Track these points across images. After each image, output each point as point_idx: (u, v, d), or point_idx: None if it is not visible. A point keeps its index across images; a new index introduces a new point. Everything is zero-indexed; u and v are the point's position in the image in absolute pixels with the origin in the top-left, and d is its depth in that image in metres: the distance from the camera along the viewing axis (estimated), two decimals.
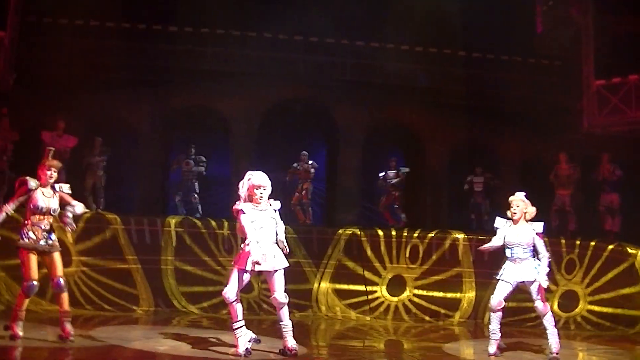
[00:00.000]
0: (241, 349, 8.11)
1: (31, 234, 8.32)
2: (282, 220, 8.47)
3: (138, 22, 15.58)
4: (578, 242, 13.74)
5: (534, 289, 8.99)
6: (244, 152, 16.15)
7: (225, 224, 13.08)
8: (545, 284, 8.95)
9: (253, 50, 16.01)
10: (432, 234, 13.95)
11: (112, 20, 15.30)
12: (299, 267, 13.11)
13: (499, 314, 9.10)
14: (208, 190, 15.12)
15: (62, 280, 8.45)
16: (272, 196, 8.44)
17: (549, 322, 9.07)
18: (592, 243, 13.69)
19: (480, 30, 15.81)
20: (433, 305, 13.67)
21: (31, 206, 8.35)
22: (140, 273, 12.81)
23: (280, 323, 8.34)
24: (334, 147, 17.03)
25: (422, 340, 11.50)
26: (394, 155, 15.93)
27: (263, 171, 8.45)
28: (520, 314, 12.50)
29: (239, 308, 8.15)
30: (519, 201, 9.18)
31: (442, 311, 13.61)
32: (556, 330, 9.15)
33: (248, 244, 8.08)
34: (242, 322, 8.18)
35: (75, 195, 8.76)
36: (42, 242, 8.32)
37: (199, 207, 14.60)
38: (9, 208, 8.34)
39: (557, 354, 9.05)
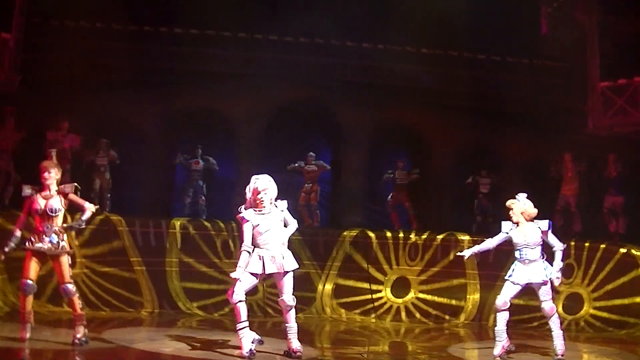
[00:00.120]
0: (245, 350, 8.10)
1: (32, 237, 8.32)
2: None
3: (143, 24, 15.60)
4: (588, 245, 13.65)
5: (542, 290, 8.98)
6: (248, 153, 16.15)
7: (233, 225, 13.06)
8: (557, 281, 8.95)
9: (258, 52, 16.01)
10: (441, 236, 13.89)
11: (117, 22, 15.29)
12: (304, 269, 13.10)
13: (505, 314, 9.08)
14: (212, 191, 15.13)
15: (68, 286, 8.40)
16: (278, 197, 8.46)
17: (554, 323, 9.06)
18: (602, 246, 13.62)
19: (485, 32, 15.79)
20: (437, 307, 13.65)
21: (31, 210, 8.38)
22: (145, 275, 12.83)
23: (286, 325, 8.35)
24: (338, 148, 17.02)
25: (427, 341, 11.50)
26: (401, 156, 15.92)
27: (268, 173, 8.47)
28: (526, 313, 12.40)
29: (243, 309, 8.13)
30: (512, 203, 9.18)
31: (447, 313, 13.59)
32: (562, 332, 9.14)
33: (241, 251, 8.16)
34: (247, 323, 8.17)
35: (82, 197, 8.74)
36: (41, 245, 8.28)
37: (205, 209, 14.62)
38: (18, 232, 8.40)
39: (562, 355, 9.04)
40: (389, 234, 13.99)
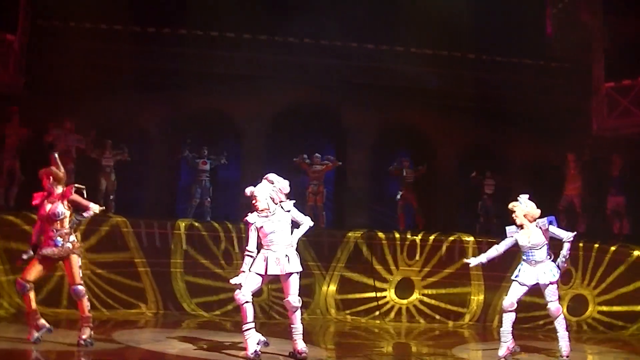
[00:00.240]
0: (250, 351, 8.11)
1: (43, 242, 8.36)
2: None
3: (148, 26, 15.62)
4: (597, 245, 13.62)
5: (548, 291, 8.98)
6: (254, 155, 16.18)
7: (241, 226, 13.04)
8: (563, 266, 8.95)
9: (263, 54, 16.01)
10: (446, 237, 13.87)
11: (121, 23, 15.31)
12: (309, 270, 13.09)
13: (511, 315, 9.06)
14: (216, 192, 15.13)
15: (78, 288, 8.44)
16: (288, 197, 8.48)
17: (560, 324, 9.05)
18: (613, 248, 13.59)
19: (490, 33, 15.79)
20: (442, 308, 13.65)
21: (39, 216, 8.47)
22: (150, 276, 12.85)
23: (292, 326, 8.34)
24: (342, 149, 17.02)
25: (431, 342, 11.49)
26: (406, 156, 15.91)
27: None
28: (531, 311, 12.32)
29: (250, 310, 8.14)
30: (515, 206, 9.17)
31: (451, 314, 13.59)
32: (567, 333, 9.13)
33: (244, 255, 8.22)
34: (252, 325, 8.18)
35: (88, 198, 8.75)
36: (47, 249, 8.32)
37: (210, 210, 14.62)
38: (36, 240, 8.49)
39: (567, 357, 9.03)
40: (393, 236, 13.97)
